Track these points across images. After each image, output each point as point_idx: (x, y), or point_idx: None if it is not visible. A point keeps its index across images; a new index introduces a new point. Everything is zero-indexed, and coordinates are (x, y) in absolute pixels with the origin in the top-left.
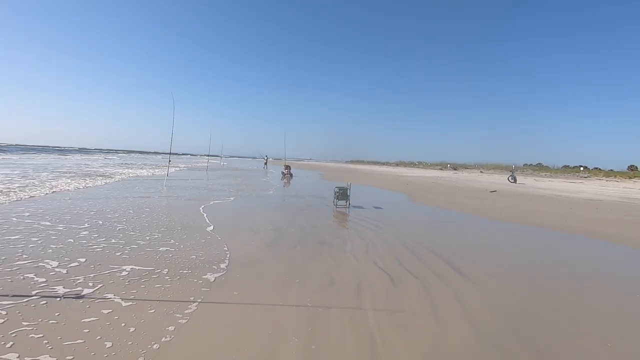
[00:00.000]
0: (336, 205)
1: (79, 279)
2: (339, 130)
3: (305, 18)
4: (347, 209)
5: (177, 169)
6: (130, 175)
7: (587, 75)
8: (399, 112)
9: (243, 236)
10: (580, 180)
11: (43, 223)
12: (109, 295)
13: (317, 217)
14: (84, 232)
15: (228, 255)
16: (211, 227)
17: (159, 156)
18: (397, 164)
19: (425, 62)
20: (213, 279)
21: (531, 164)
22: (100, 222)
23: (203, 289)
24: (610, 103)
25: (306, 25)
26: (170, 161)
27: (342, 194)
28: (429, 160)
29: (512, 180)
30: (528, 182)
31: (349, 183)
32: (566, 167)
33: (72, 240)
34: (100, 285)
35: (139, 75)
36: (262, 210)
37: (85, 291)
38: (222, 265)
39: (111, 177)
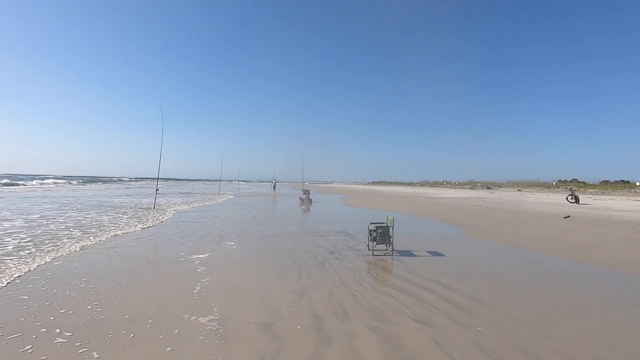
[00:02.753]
0: (373, 251)
1: None
2: (358, 153)
3: (313, 38)
4: (389, 257)
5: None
6: (182, 208)
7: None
8: (412, 132)
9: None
10: None
11: None
12: None
13: (345, 281)
14: None
15: None
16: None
17: (203, 184)
18: (422, 184)
19: (437, 81)
20: None
21: (565, 180)
22: None
23: None
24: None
25: (316, 46)
26: (157, 190)
27: (383, 234)
28: (454, 179)
29: (573, 200)
30: (588, 202)
31: (390, 218)
32: (606, 182)
33: None
34: None
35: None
36: (264, 267)
37: None
38: None
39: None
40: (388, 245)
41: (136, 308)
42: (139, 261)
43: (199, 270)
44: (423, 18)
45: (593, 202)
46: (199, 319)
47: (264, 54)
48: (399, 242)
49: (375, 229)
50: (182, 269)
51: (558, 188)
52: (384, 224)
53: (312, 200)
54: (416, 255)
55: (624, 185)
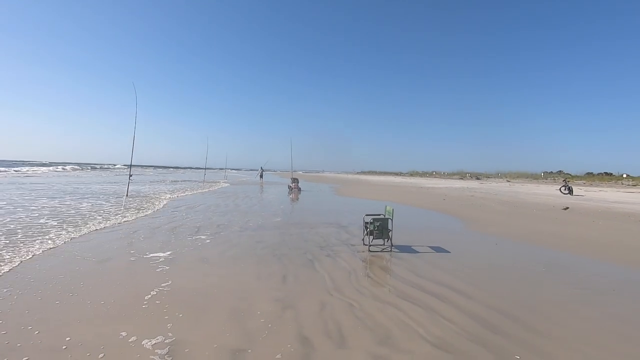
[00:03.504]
0: (369, 246)
1: None
2: (347, 143)
3: (308, 31)
4: (387, 253)
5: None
6: (177, 196)
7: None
8: (402, 124)
9: None
10: (635, 190)
11: None
12: None
13: (339, 285)
14: None
15: None
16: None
17: (194, 172)
18: (412, 174)
19: (423, 72)
20: None
21: (552, 172)
22: None
23: None
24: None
25: (308, 38)
26: (131, 175)
27: (380, 228)
28: (442, 170)
29: (567, 192)
30: (581, 193)
31: (389, 210)
32: (590, 174)
33: None
34: None
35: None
36: (242, 266)
37: None
38: None
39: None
40: (386, 240)
41: (56, 323)
42: (84, 260)
43: (159, 270)
44: (417, 12)
45: (585, 194)
46: (143, 342)
47: (255, 43)
48: (396, 236)
49: (372, 221)
50: (139, 269)
51: (546, 179)
52: (382, 216)
53: (302, 189)
54: (418, 252)
55: (610, 177)
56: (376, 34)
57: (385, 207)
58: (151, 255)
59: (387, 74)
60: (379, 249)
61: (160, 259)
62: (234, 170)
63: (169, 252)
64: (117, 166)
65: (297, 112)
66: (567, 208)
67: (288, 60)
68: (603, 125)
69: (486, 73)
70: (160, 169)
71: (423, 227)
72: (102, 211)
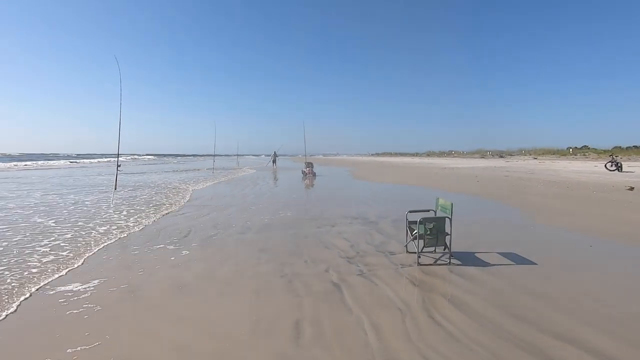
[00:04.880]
0: (418, 256)
1: None
2: (362, 125)
3: (320, 14)
4: (445, 266)
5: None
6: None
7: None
8: (414, 103)
9: None
10: None
11: None
12: None
13: (391, 348)
14: None
15: None
16: None
17: (211, 159)
18: (429, 154)
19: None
20: None
21: (576, 147)
22: None
23: None
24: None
25: (320, 22)
26: (119, 166)
27: (435, 232)
28: (459, 149)
29: (614, 168)
30: (630, 169)
31: (444, 203)
32: (618, 147)
33: None
34: None
35: (152, 81)
36: (232, 303)
37: None
38: None
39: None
40: (443, 248)
41: None
42: None
43: (73, 315)
44: None
45: (634, 170)
46: None
47: (263, 30)
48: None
49: (421, 222)
50: (51, 314)
51: (575, 155)
52: (432, 212)
53: (316, 174)
54: (488, 264)
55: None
56: (387, 13)
57: (437, 199)
58: (78, 286)
59: (399, 56)
60: (432, 260)
61: (84, 295)
62: (252, 157)
63: (133, 275)
64: (142, 156)
65: (311, 97)
66: (632, 188)
67: (301, 45)
68: (618, 100)
69: (500, 51)
70: (180, 157)
71: (474, 220)
72: (84, 209)
